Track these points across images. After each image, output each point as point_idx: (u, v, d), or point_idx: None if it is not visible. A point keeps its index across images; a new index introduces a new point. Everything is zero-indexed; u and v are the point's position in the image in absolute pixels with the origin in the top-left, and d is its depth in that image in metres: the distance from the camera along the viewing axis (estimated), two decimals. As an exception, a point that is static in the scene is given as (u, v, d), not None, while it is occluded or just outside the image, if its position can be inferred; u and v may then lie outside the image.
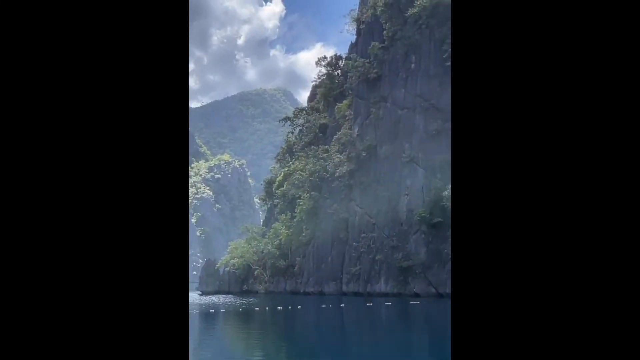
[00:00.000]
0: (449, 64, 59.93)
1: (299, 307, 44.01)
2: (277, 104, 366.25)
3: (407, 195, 60.82)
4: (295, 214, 77.38)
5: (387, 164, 64.82)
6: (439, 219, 55.16)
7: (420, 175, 60.31)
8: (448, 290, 53.56)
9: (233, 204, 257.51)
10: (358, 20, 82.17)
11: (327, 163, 73.41)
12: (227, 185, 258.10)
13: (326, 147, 78.02)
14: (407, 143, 62.76)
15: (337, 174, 69.99)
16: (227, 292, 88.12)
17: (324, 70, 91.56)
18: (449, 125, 57.91)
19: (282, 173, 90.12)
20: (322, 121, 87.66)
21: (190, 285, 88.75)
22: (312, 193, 74.66)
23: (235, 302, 56.06)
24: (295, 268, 76.92)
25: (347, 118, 75.58)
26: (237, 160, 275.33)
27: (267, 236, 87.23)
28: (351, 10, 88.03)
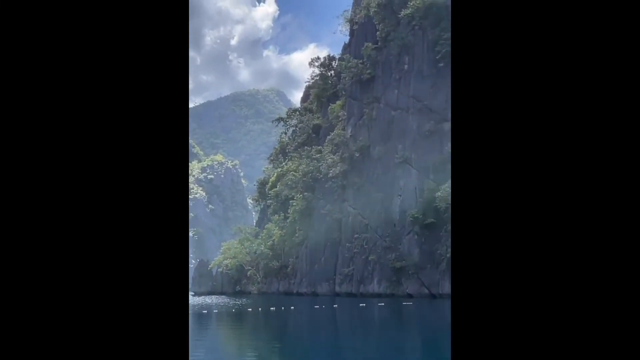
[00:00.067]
0: (442, 64, 60.11)
1: (292, 307, 43.97)
2: (271, 105, 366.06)
3: (400, 196, 60.90)
4: (289, 215, 77.33)
5: (380, 165, 64.87)
6: (432, 220, 55.26)
7: (413, 176, 60.39)
8: (441, 291, 53.69)
9: (226, 205, 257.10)
10: (351, 21, 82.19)
11: (320, 164, 73.42)
12: (220, 186, 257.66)
13: (319, 147, 78.04)
14: (400, 144, 62.84)
15: (330, 174, 69.99)
16: (220, 293, 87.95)
17: (317, 71, 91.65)
18: (442, 126, 58.13)
19: (275, 174, 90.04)
20: (315, 122, 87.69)
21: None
22: (305, 194, 74.63)
23: (228, 302, 55.96)
24: (288, 269, 76.86)
25: (340, 119, 75.61)
26: (230, 161, 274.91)
27: (260, 237, 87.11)
28: (344, 11, 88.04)
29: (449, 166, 54.40)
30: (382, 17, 69.53)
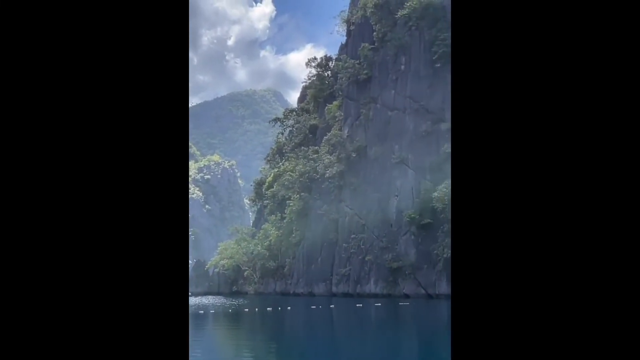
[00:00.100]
0: (438, 65, 60.19)
1: (289, 308, 43.96)
2: (267, 105, 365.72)
3: (397, 196, 60.93)
4: (285, 215, 77.29)
5: (377, 165, 64.90)
6: (429, 220, 55.30)
7: (410, 177, 60.44)
8: (437, 291, 53.75)
9: (223, 205, 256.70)
10: (348, 22, 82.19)
11: (317, 164, 73.38)
12: (216, 186, 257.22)
13: (316, 148, 78.00)
14: (396, 144, 62.88)
15: (327, 175, 69.97)
16: (217, 293, 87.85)
17: (314, 71, 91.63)
18: (438, 126, 58.20)
19: (272, 174, 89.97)
20: (312, 122, 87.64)
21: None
22: (302, 194, 74.62)
23: (225, 303, 55.90)
24: (285, 269, 76.80)
25: (337, 119, 75.61)
26: (226, 161, 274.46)
27: (256, 237, 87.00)
28: (341, 11, 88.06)
29: (445, 166, 54.51)
30: (379, 17, 69.58)
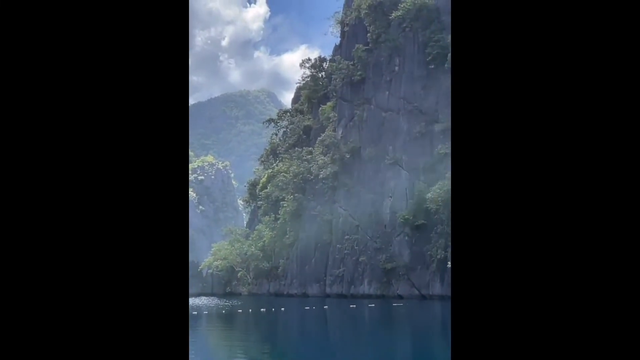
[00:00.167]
0: (432, 66, 60.35)
1: (283, 309, 43.92)
2: (261, 106, 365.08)
3: (391, 197, 61.00)
4: (279, 216, 77.17)
5: (370, 166, 64.94)
6: (423, 221, 55.37)
7: (403, 178, 60.52)
8: (431, 292, 53.84)
9: (216, 206, 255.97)
10: (342, 23, 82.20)
11: (311, 165, 73.33)
12: (210, 187, 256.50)
13: (310, 149, 77.93)
14: (390, 145, 62.96)
15: (321, 175, 69.94)
16: (210, 294, 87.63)
17: (308, 72, 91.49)
18: (432, 127, 58.32)
19: (266, 175, 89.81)
20: (306, 123, 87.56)
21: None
22: (296, 195, 74.54)
23: (219, 304, 55.80)
24: (279, 270, 76.69)
25: (331, 120, 75.58)
26: (220, 162, 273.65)
27: (250, 238, 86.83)
28: (335, 12, 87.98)
29: (439, 167, 54.62)
30: (373, 18, 69.64)
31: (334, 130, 72.78)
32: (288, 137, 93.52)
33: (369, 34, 69.60)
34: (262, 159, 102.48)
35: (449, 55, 57.50)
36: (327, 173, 69.05)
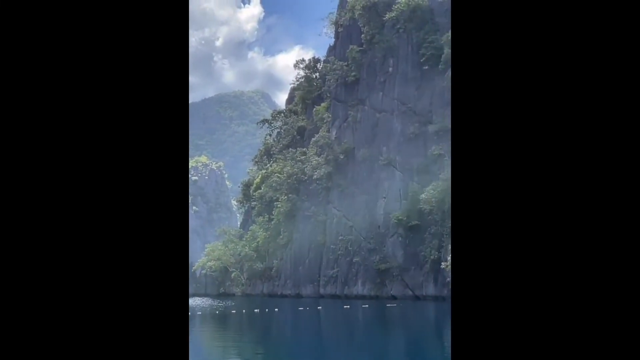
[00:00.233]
0: (426, 67, 60.48)
1: (276, 309, 43.90)
2: (255, 106, 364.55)
3: (385, 198, 61.08)
4: (273, 217, 77.11)
5: (364, 167, 65.01)
6: (416, 222, 55.46)
7: (397, 178, 60.62)
8: (424, 292, 53.93)
9: (210, 206, 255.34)
10: (336, 24, 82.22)
11: (305, 166, 73.32)
12: (204, 188, 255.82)
13: (304, 149, 77.93)
14: (384, 146, 63.05)
15: (315, 176, 69.94)
16: (204, 295, 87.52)
17: (302, 73, 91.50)
18: (426, 128, 58.43)
19: (260, 175, 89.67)
20: (300, 124, 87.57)
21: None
22: (290, 195, 74.50)
23: (212, 304, 55.70)
24: (273, 270, 76.63)
25: (325, 121, 75.62)
26: (214, 163, 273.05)
27: (244, 239, 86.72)
28: (329, 13, 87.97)
29: (433, 168, 54.77)
30: (367, 19, 69.71)
31: (328, 131, 72.82)
32: (282, 138, 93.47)
33: (363, 35, 69.68)
34: (256, 160, 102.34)
35: (443, 56, 57.73)
36: (321, 174, 69.06)
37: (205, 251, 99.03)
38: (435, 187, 51.86)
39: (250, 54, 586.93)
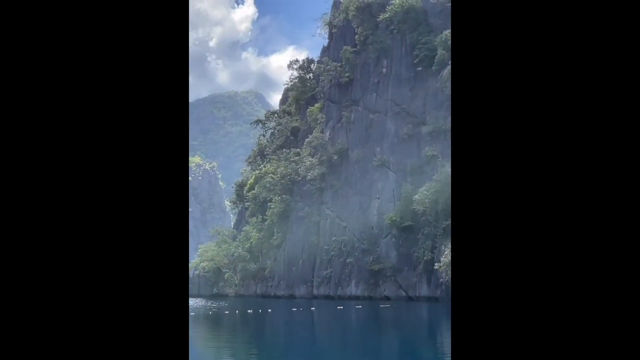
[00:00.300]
0: (420, 68, 60.57)
1: (270, 310, 43.84)
2: (249, 107, 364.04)
3: (378, 199, 61.14)
4: (266, 217, 77.02)
5: (358, 168, 65.05)
6: (410, 223, 55.50)
7: (391, 179, 60.68)
8: (418, 293, 54.00)
9: (203, 207, 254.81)
10: (330, 24, 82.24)
11: (299, 166, 73.28)
12: (197, 188, 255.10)
13: (298, 150, 77.89)
14: (378, 147, 63.11)
15: (309, 177, 69.91)
16: (197, 296, 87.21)
17: (296, 74, 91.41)
18: (419, 129, 58.52)
19: (254, 176, 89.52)
20: (294, 124, 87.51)
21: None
22: (284, 196, 74.44)
23: (205, 305, 55.57)
24: (266, 271, 76.51)
25: (318, 121, 75.60)
26: (207, 163, 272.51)
27: (237, 239, 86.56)
28: (323, 14, 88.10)
29: (426, 169, 54.86)
30: (361, 20, 69.78)
31: (322, 132, 72.81)
32: (276, 139, 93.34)
33: (356, 36, 69.74)
34: (250, 160, 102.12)
35: (437, 57, 57.85)
36: (315, 174, 69.04)
37: (199, 252, 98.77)
38: (429, 188, 51.93)
39: (244, 55, 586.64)
